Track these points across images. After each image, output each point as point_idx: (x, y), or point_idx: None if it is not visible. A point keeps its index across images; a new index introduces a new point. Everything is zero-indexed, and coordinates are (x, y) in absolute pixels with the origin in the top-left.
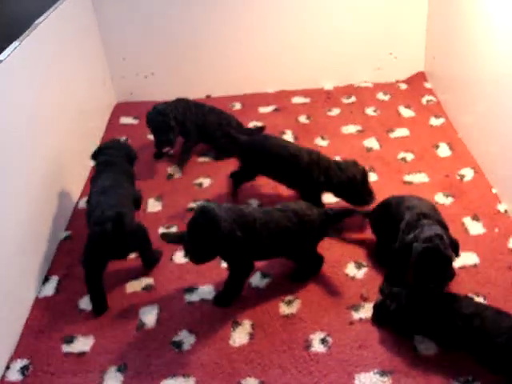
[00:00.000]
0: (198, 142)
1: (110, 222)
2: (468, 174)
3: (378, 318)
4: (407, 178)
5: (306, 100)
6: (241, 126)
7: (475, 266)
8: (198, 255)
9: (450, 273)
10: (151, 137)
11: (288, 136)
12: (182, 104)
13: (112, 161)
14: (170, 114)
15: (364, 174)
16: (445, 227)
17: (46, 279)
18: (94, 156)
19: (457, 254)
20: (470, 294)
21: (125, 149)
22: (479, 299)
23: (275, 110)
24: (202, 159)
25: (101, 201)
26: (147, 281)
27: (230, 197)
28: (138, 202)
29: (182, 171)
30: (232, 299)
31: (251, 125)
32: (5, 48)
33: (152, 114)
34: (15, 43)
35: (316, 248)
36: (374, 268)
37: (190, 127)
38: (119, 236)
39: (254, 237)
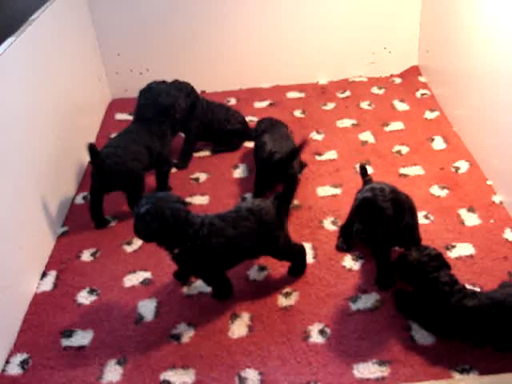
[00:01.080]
0: (199, 139)
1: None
2: (463, 166)
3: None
4: (402, 170)
5: (301, 95)
6: (246, 124)
7: (471, 256)
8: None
9: (385, 224)
10: None
11: None
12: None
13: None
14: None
15: None
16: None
17: (43, 274)
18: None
19: (402, 218)
20: (466, 285)
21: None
22: (476, 289)
23: (270, 104)
24: (198, 154)
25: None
26: (145, 275)
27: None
28: (160, 161)
29: (186, 167)
30: (224, 295)
31: (246, 120)
32: (0, 44)
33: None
34: (10, 39)
35: (289, 238)
36: (370, 260)
37: (194, 123)
38: (95, 168)
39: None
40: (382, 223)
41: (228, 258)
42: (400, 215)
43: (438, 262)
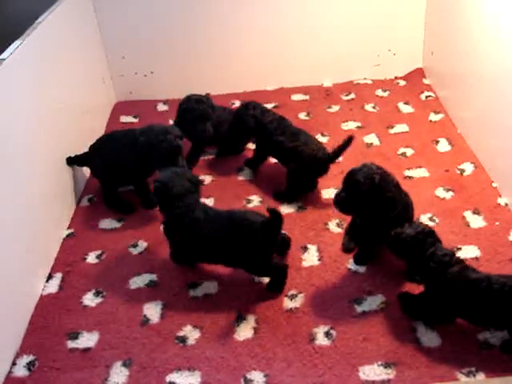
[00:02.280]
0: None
1: None
2: (468, 168)
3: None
4: (407, 173)
5: (306, 97)
6: None
7: (477, 259)
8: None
9: (357, 196)
10: None
11: None
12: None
13: None
14: (207, 102)
15: None
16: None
17: (49, 276)
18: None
19: (381, 199)
20: None
21: None
22: None
23: (275, 107)
24: (203, 157)
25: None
26: (151, 277)
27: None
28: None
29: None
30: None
31: None
32: (7, 47)
33: (190, 102)
34: (17, 42)
35: (269, 259)
36: (375, 262)
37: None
38: None
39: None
40: (355, 194)
41: (196, 250)
42: (379, 195)
43: (433, 237)
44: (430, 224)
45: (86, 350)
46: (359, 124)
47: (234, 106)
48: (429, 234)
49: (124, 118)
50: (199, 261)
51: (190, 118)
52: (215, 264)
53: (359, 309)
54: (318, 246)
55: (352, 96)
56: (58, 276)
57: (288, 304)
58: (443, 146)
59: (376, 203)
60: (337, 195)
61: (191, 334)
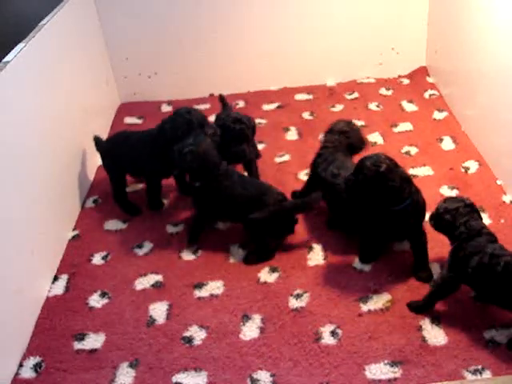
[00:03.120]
0: None
1: None
2: (472, 166)
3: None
4: (412, 171)
5: (309, 96)
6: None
7: None
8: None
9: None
10: None
11: (292, 132)
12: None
13: None
14: (246, 122)
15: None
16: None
17: (55, 278)
18: None
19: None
20: None
21: None
22: None
23: (279, 107)
24: None
25: None
26: (156, 277)
27: None
28: None
29: None
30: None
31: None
32: (11, 49)
33: (228, 121)
34: (21, 45)
35: (265, 234)
36: (381, 260)
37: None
38: None
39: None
40: (361, 179)
41: (224, 207)
42: (382, 184)
43: (470, 208)
44: None
45: (93, 351)
46: (363, 123)
47: (238, 107)
48: (467, 206)
49: (128, 120)
50: (221, 219)
51: (227, 138)
52: (232, 221)
53: (365, 307)
54: (323, 245)
55: (356, 95)
56: (64, 277)
57: (294, 303)
58: (447, 144)
59: (379, 192)
60: (346, 178)
61: (197, 334)
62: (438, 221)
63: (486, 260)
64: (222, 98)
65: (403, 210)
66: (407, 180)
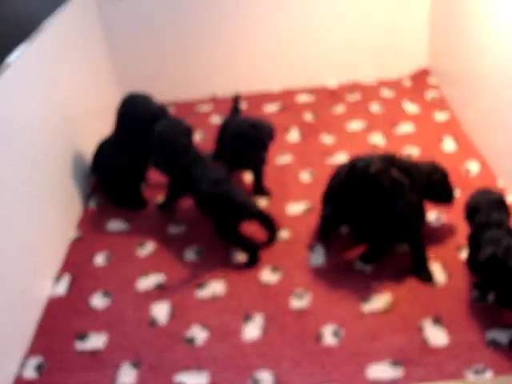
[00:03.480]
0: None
1: None
2: (474, 167)
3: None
4: None
5: (311, 98)
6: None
7: None
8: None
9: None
10: None
11: (294, 134)
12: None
13: None
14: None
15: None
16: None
17: (57, 278)
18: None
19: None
20: None
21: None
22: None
23: (280, 108)
24: None
25: None
26: (158, 278)
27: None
28: None
29: None
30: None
31: None
32: (14, 50)
33: (245, 126)
34: (23, 46)
35: (236, 232)
36: (382, 260)
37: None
38: None
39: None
40: (351, 179)
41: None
42: (372, 185)
43: (496, 204)
44: (436, 224)
45: (95, 351)
46: (365, 124)
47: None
48: (493, 202)
49: None
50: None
51: (243, 144)
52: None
53: (366, 308)
54: (324, 245)
55: (357, 96)
56: (66, 278)
57: (295, 304)
58: (449, 145)
59: (368, 193)
60: (340, 179)
61: (199, 334)
62: (466, 209)
63: (499, 252)
64: (236, 99)
65: (397, 212)
66: (400, 184)
